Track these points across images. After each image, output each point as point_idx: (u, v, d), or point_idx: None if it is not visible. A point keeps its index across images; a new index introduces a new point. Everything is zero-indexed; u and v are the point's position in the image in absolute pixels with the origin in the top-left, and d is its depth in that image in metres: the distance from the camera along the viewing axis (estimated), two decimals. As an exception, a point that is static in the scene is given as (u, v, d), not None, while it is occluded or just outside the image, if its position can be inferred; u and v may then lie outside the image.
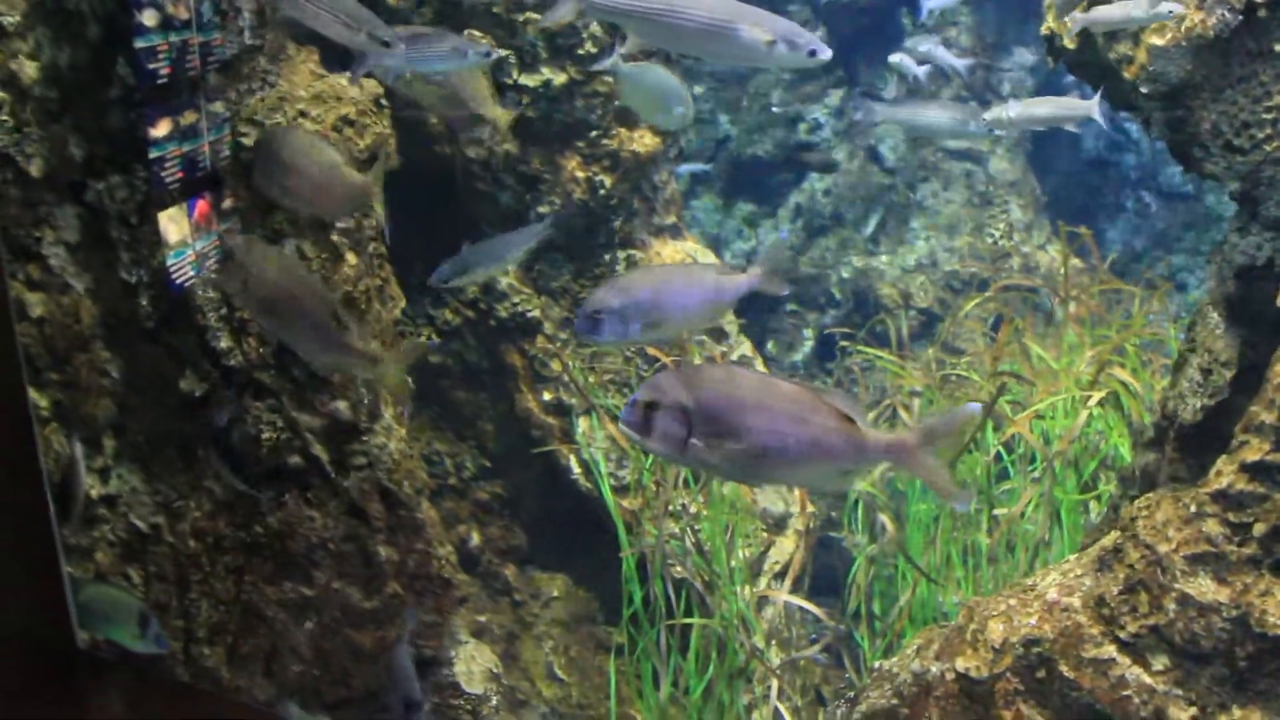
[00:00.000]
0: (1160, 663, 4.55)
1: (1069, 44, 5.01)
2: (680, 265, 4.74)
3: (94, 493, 5.47)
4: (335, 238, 5.49)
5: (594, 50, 7.22)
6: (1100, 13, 4.54)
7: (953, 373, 7.67)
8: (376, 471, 5.69)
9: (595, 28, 7.21)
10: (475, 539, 7.63)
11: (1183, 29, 4.41)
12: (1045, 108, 6.18)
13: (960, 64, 9.80)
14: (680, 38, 4.71)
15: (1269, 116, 4.39)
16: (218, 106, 5.22)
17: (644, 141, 7.48)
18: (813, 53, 4.52)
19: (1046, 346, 7.38)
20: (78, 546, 5.49)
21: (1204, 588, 4.46)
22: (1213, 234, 10.62)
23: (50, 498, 5.08)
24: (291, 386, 5.48)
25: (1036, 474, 6.58)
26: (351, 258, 5.56)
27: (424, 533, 5.89)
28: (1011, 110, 5.73)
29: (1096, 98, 6.05)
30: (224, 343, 5.39)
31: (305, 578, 5.68)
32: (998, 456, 6.96)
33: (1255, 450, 4.39)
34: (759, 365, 8.28)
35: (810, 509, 7.74)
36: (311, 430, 5.54)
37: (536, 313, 7.48)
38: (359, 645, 5.77)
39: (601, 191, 7.34)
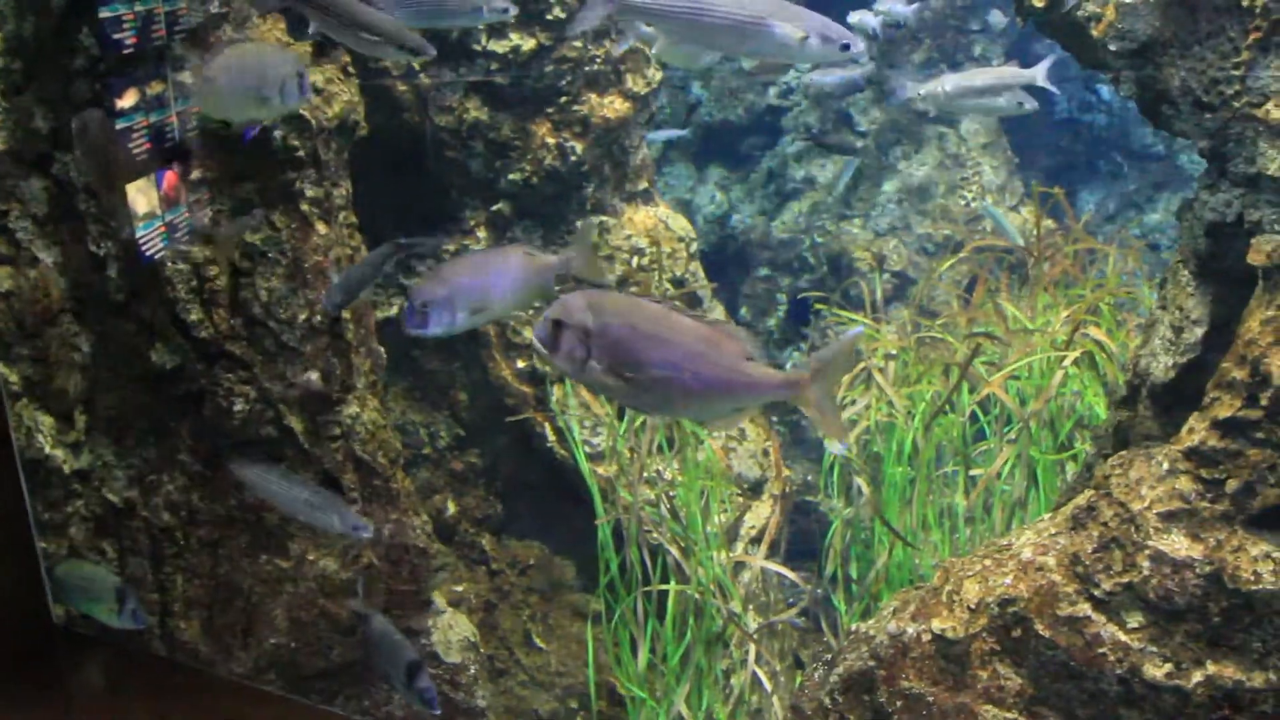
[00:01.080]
0: (1135, 620, 4.56)
1: (1037, 2, 4.99)
2: (495, 250, 4.85)
3: (66, 468, 5.45)
4: (305, 207, 5.47)
5: (562, 16, 7.18)
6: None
7: (928, 335, 7.67)
8: (350, 442, 5.68)
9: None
10: (451, 509, 7.62)
11: None
12: (984, 78, 6.01)
13: (908, 10, 9.74)
14: (713, 36, 4.74)
15: (1237, 73, 4.37)
16: (185, 76, 5.18)
17: (615, 107, 7.45)
18: (845, 46, 4.58)
19: (1021, 307, 7.39)
20: (51, 522, 5.48)
21: (1177, 544, 4.48)
22: (1185, 193, 10.65)
23: (21, 473, 5.07)
24: (263, 358, 5.46)
25: (1012, 435, 6.59)
26: (322, 227, 5.54)
27: (399, 502, 5.88)
28: (947, 84, 5.58)
29: (1043, 64, 6.00)
30: (194, 315, 5.37)
31: (281, 550, 5.68)
32: (973, 417, 6.98)
33: (1227, 407, 4.40)
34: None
35: (786, 473, 7.75)
36: (284, 401, 5.53)
37: (509, 280, 7.45)
38: (336, 616, 5.77)
39: (572, 158, 7.31)
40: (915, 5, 9.90)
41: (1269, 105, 4.31)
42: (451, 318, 4.54)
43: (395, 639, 5.40)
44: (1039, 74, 5.98)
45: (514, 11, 5.78)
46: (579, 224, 4.74)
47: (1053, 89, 5.50)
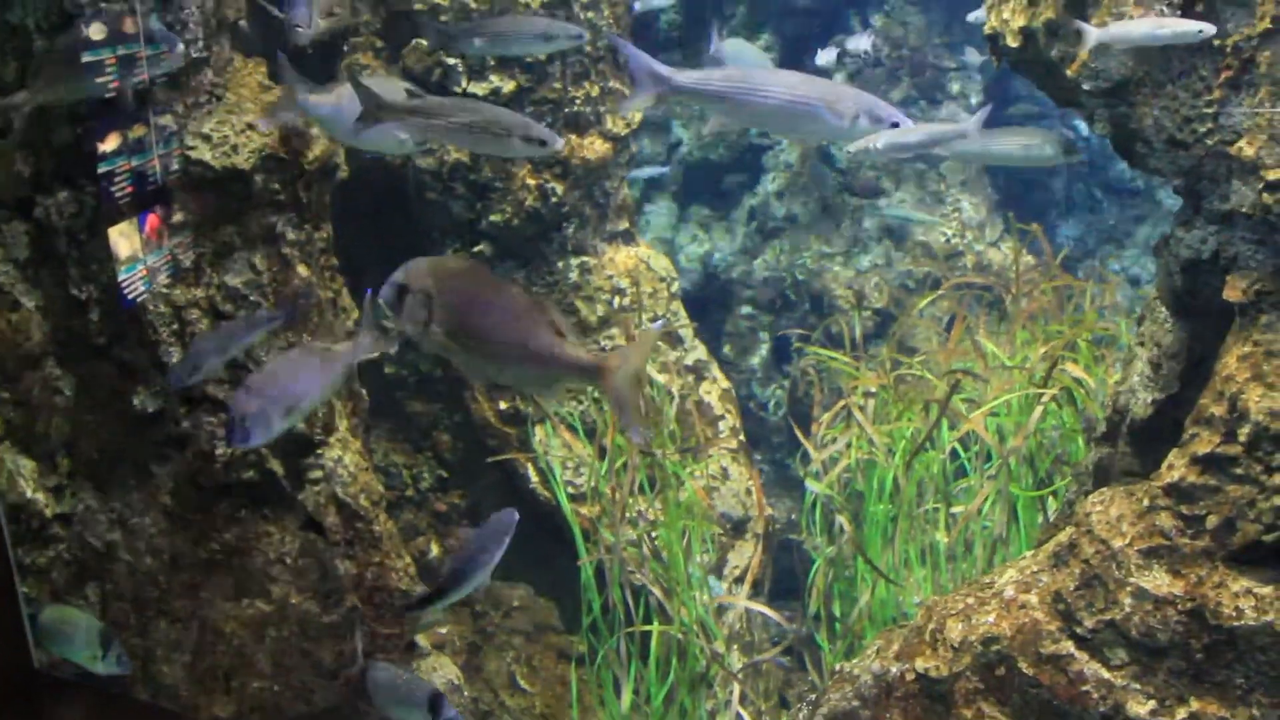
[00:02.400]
0: (1118, 657, 4.57)
1: (1012, 42, 5.03)
2: (296, 350, 4.99)
3: (48, 511, 5.43)
4: (286, 250, 5.47)
5: (542, 58, 7.22)
6: (1119, 29, 4.47)
7: (907, 372, 7.69)
8: (332, 485, 5.67)
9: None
10: (435, 550, 7.61)
11: (1080, 36, 4.47)
12: (917, 135, 5.94)
13: (865, 42, 9.81)
14: (764, 118, 4.81)
15: (1209, 110, 4.42)
16: (166, 120, 5.19)
17: (594, 148, 7.48)
18: (895, 124, 4.65)
19: (1000, 343, 7.41)
20: (33, 566, 5.46)
21: (1159, 581, 4.49)
22: (1163, 228, 10.69)
23: (3, 516, 5.05)
24: (245, 401, 5.45)
25: (992, 472, 6.60)
26: (303, 269, 5.55)
27: (382, 545, 5.87)
28: (879, 141, 5.52)
29: (976, 117, 6.01)
30: (176, 357, 5.37)
31: (263, 593, 5.66)
32: (954, 454, 6.99)
33: (1205, 443, 4.42)
34: (715, 369, 8.29)
35: (769, 512, 7.75)
36: (267, 444, 5.52)
37: (491, 321, 7.46)
38: (319, 660, 5.74)
39: (553, 199, 7.34)
40: (869, 36, 9.98)
41: (1241, 142, 4.35)
42: (268, 427, 4.64)
43: (405, 679, 5.39)
44: (972, 126, 5.98)
45: (586, 38, 5.91)
46: (366, 302, 4.86)
47: (895, 116, 5.47)
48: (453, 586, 5.27)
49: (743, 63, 8.07)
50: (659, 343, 7.94)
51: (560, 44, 6.23)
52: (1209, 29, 4.28)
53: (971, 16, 9.48)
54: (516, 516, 5.37)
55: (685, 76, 4.81)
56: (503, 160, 7.29)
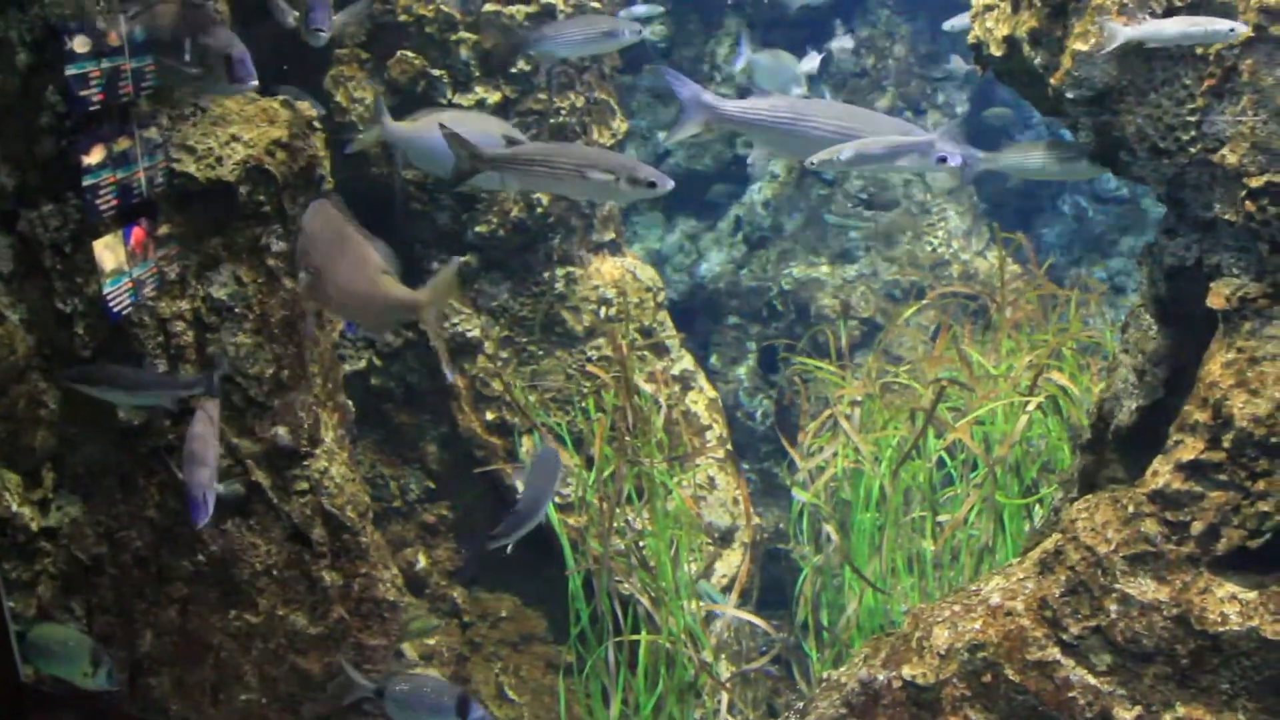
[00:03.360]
0: (1104, 663, 4.58)
1: (995, 51, 5.04)
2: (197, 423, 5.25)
3: (34, 525, 5.42)
4: (271, 261, 5.47)
5: (528, 68, 7.23)
6: (1151, 28, 4.42)
7: (894, 381, 7.70)
8: (319, 496, 5.66)
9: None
10: (422, 561, 7.60)
11: (1105, 33, 4.45)
12: (881, 145, 5.96)
13: (846, 43, 9.83)
14: (809, 147, 4.79)
15: (1192, 119, 4.43)
16: (151, 132, 5.19)
17: (581, 158, 7.49)
18: (943, 159, 4.68)
19: (985, 352, 7.43)
20: (19, 580, 5.44)
21: (1144, 587, 4.50)
22: (1148, 237, 10.72)
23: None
24: (230, 413, 5.45)
25: (978, 480, 6.61)
26: (289, 281, 5.54)
27: (368, 556, 5.87)
28: (845, 153, 5.52)
29: (939, 131, 6.02)
30: (162, 370, 5.36)
31: (250, 605, 5.65)
32: (940, 463, 7.00)
33: (1190, 449, 4.44)
34: (701, 379, 8.30)
35: (756, 521, 7.75)
36: (253, 456, 5.52)
37: (476, 332, 7.47)
38: (306, 671, 5.74)
39: (539, 209, 7.35)
40: (851, 37, 10.00)
41: (1224, 150, 4.37)
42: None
43: (428, 688, 5.40)
44: (937, 137, 6.00)
45: (646, 32, 5.95)
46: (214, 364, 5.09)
47: (953, 154, 5.43)
48: (527, 517, 5.55)
49: (778, 76, 8.15)
50: (646, 353, 7.95)
51: (625, 40, 6.31)
52: (1241, 28, 4.25)
53: (948, 25, 9.51)
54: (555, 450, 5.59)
55: (733, 105, 4.81)
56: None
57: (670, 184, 4.95)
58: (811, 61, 9.57)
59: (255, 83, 5.47)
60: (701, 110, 4.85)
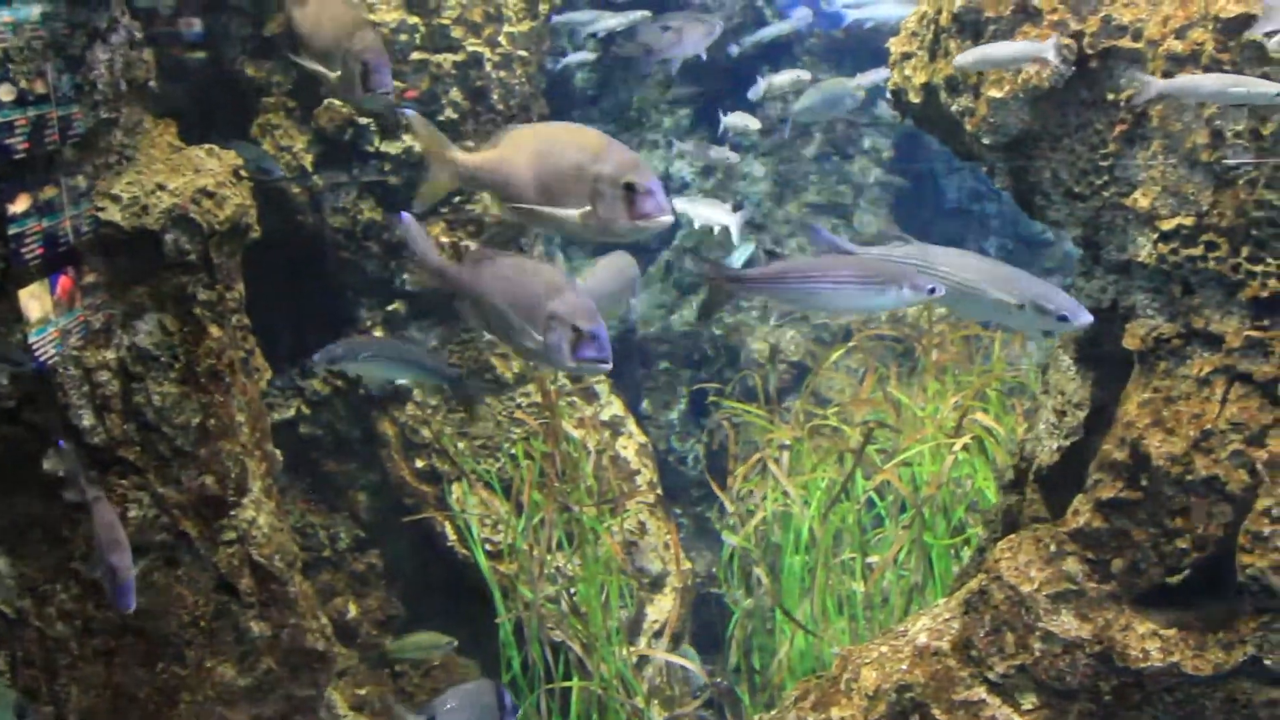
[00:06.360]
0: (1029, 701, 4.63)
1: (914, 98, 5.13)
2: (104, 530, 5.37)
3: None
4: (197, 310, 5.45)
5: (455, 116, 7.26)
6: (1187, 82, 4.28)
7: (822, 424, 7.75)
8: (247, 546, 5.63)
9: (455, 94, 7.26)
10: (353, 611, 7.56)
11: (1019, 80, 4.54)
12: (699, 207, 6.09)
13: (785, 79, 9.92)
14: (823, 300, 4.75)
15: (1105, 164, 4.52)
16: (77, 180, 5.17)
17: (509, 206, 7.51)
18: (926, 290, 4.60)
19: (912, 394, 7.50)
20: (-60, 635, 5.37)
21: (1067, 625, 4.56)
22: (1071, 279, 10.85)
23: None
24: (156, 463, 5.41)
25: (907, 521, 6.66)
26: (215, 330, 5.52)
27: (297, 606, 5.83)
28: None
29: (741, 211, 6.12)
30: (87, 420, 5.32)
31: (177, 657, 5.59)
32: (870, 504, 7.05)
33: (1109, 488, 4.51)
34: (631, 424, 8.31)
35: (687, 565, 7.77)
36: (179, 506, 5.48)
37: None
38: (235, 724, 5.69)
39: (396, 231, 7.32)
40: (798, 73, 10.07)
41: (1137, 194, 4.46)
42: None
43: (470, 692, 5.47)
44: (735, 222, 6.18)
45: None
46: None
47: (736, 240, 5.54)
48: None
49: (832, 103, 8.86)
50: (575, 399, 7.96)
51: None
52: (1047, 50, 4.30)
53: (858, 81, 9.59)
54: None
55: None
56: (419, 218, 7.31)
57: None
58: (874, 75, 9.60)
59: (389, 93, 5.45)
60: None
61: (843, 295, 4.61)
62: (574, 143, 4.32)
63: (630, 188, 4.10)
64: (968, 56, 4.57)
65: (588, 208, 4.21)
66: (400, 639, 7.30)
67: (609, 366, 4.47)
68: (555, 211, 4.33)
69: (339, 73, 5.53)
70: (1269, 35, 4.17)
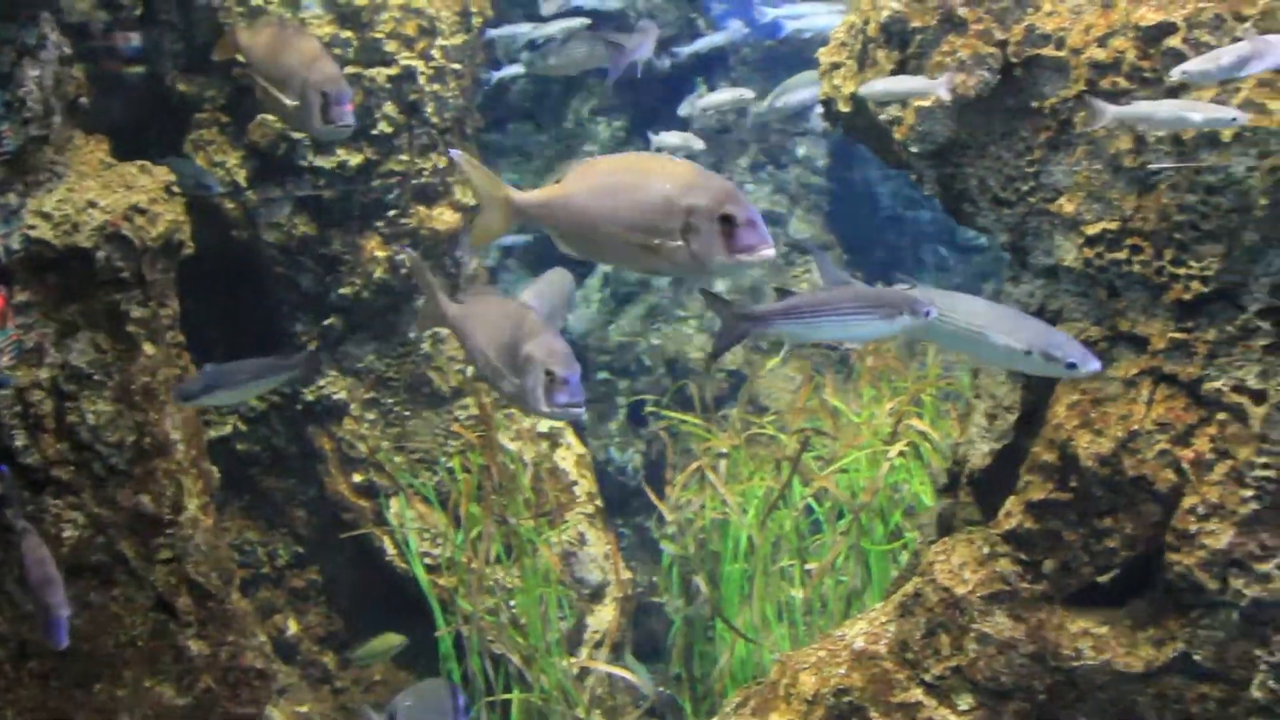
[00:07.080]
0: (965, 702, 4.68)
1: (843, 108, 5.18)
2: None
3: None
4: (131, 328, 5.42)
5: (389, 130, 7.25)
6: (1142, 109, 4.20)
7: (759, 432, 7.79)
8: (183, 564, 5.60)
9: (389, 108, 7.25)
10: (293, 627, 7.53)
11: (1093, 111, 4.49)
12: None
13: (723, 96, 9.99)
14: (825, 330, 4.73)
15: (1031, 170, 4.59)
16: (8, 198, 5.14)
17: (444, 219, 7.51)
18: (924, 312, 4.56)
19: (848, 401, 7.55)
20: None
21: (1001, 626, 4.61)
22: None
23: None
24: (91, 482, 5.38)
25: (844, 527, 6.71)
26: (149, 347, 5.50)
27: (235, 624, 5.80)
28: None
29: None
30: (20, 440, 5.29)
31: (115, 678, 5.56)
32: (809, 510, 7.09)
33: (1039, 489, 4.57)
34: (570, 435, 8.32)
35: (627, 575, 7.78)
36: (114, 526, 5.45)
37: (343, 394, 7.44)
38: (175, 744, 5.65)
39: (403, 270, 7.35)
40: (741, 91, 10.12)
41: (1062, 200, 4.53)
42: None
43: (427, 692, 5.50)
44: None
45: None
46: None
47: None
48: None
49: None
50: (513, 410, 7.97)
51: None
52: (1243, 117, 4.05)
53: (780, 102, 9.66)
54: None
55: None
56: (349, 234, 7.30)
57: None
58: (689, 107, 9.69)
59: (350, 126, 5.43)
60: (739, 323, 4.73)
61: (852, 325, 4.62)
62: (660, 172, 4.04)
63: (728, 220, 3.83)
64: (873, 87, 4.65)
65: (678, 243, 3.93)
66: (365, 644, 7.28)
67: (583, 413, 4.42)
68: (640, 248, 4.05)
69: (296, 103, 5.50)
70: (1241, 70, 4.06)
